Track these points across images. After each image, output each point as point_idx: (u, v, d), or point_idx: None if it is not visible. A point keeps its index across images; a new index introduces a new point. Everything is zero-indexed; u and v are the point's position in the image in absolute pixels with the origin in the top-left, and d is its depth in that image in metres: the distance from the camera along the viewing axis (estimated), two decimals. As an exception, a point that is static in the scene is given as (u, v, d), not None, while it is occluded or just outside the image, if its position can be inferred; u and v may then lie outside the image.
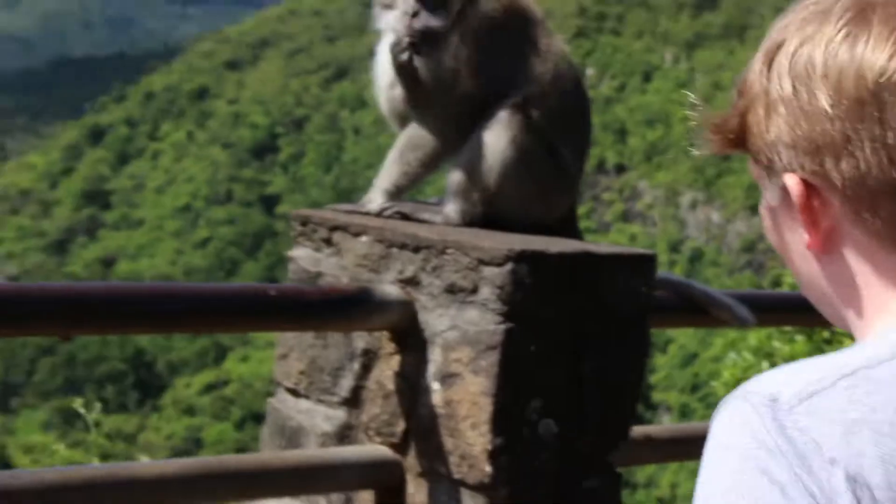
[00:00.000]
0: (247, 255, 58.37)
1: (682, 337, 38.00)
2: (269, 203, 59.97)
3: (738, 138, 0.85)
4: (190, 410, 45.04)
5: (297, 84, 66.40)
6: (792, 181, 0.79)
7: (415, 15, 1.94)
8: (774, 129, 0.82)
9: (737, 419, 0.71)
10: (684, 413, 34.85)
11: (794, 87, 0.81)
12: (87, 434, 5.07)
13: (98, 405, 5.00)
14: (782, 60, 0.82)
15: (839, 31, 0.81)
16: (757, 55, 0.88)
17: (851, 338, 0.87)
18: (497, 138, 1.93)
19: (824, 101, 0.78)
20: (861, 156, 0.77)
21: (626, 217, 51.10)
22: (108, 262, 56.47)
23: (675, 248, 48.14)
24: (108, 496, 1.78)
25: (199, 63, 72.79)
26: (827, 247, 0.82)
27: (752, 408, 0.70)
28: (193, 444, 38.23)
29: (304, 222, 2.10)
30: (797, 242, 0.84)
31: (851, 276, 0.84)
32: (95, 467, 2.03)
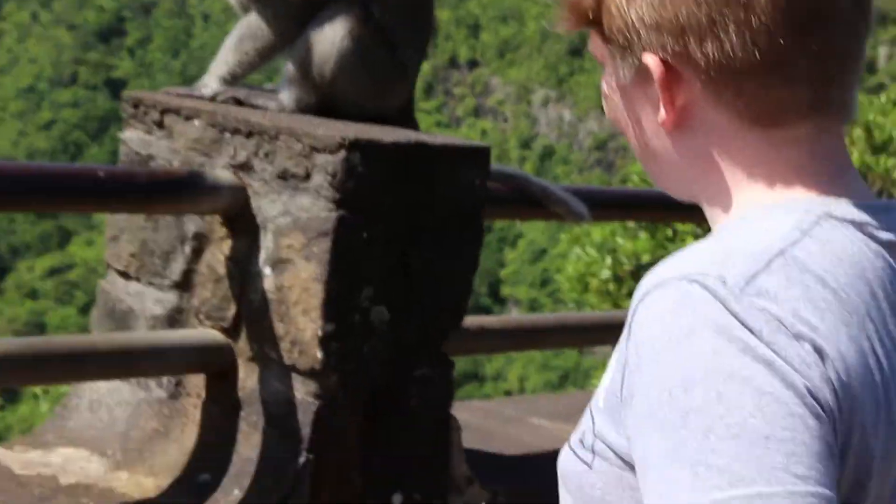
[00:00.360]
0: (91, 139, 58.15)
1: (532, 232, 39.65)
2: (114, 87, 60.03)
3: (595, 16, 0.89)
4: (33, 294, 45.11)
5: (146, -34, 66.71)
6: (653, 61, 0.81)
7: None
8: (636, 9, 0.84)
9: (692, 302, 0.67)
10: (533, 307, 36.49)
11: None
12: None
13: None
14: None
15: None
16: None
17: (694, 235, 0.94)
18: (333, 30, 1.96)
19: None
20: (725, 38, 0.80)
21: (477, 113, 52.87)
22: (-52, 143, 55.46)
23: (525, 144, 50.07)
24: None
25: (44, -57, 71.68)
26: (683, 124, 0.86)
27: (705, 289, 0.66)
28: (36, 328, 38.70)
29: (136, 104, 2.03)
30: (649, 121, 0.87)
31: (709, 151, 0.85)
32: None
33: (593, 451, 0.76)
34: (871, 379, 0.68)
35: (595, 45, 0.82)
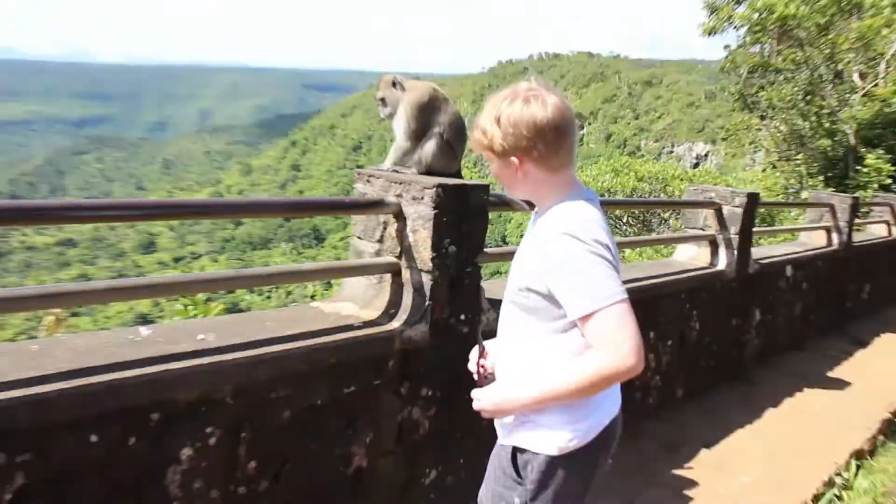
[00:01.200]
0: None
1: (515, 216, 41.20)
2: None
3: (489, 147, 2.01)
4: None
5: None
6: (515, 159, 1.98)
7: (381, 110, 3.48)
8: (502, 143, 1.97)
9: (568, 240, 1.88)
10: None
11: (509, 127, 1.96)
12: None
13: None
14: (503, 117, 1.97)
15: (522, 100, 1.96)
16: (486, 118, 2.01)
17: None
18: (430, 143, 3.42)
19: (523, 132, 1.94)
20: (538, 148, 1.95)
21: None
22: None
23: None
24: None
25: None
26: (524, 176, 2.01)
27: (569, 235, 1.88)
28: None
29: (360, 175, 4.63)
30: (512, 177, 2.04)
31: (536, 183, 2.02)
32: None
33: (528, 290, 2.03)
34: (617, 254, 1.97)
35: (489, 156, 2.03)
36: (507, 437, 2.12)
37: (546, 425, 2.03)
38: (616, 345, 1.83)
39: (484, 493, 2.25)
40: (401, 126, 3.45)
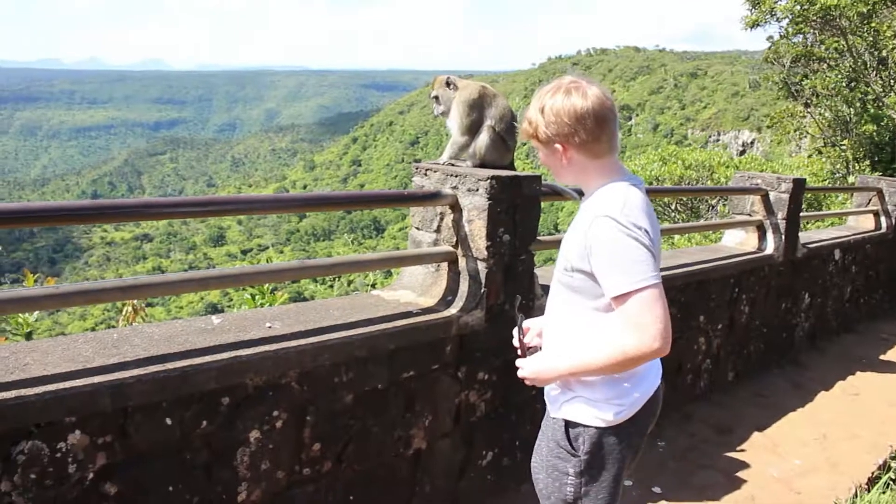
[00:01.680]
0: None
1: (567, 205, 40.94)
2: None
3: (534, 135, 2.07)
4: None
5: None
6: (559, 146, 2.04)
7: (435, 108, 3.51)
8: (545, 130, 2.04)
9: (609, 222, 1.92)
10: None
11: (552, 115, 2.03)
12: None
13: None
14: (546, 107, 2.04)
15: (563, 92, 2.03)
16: (532, 109, 2.08)
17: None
18: (483, 136, 3.43)
19: (565, 120, 2.00)
20: (579, 134, 2.00)
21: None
22: None
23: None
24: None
25: None
26: (569, 162, 2.06)
27: (611, 218, 1.92)
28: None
29: (417, 168, 5.36)
30: (558, 163, 2.09)
31: (582, 169, 2.08)
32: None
33: (572, 270, 2.08)
34: (657, 238, 2.00)
35: (536, 144, 2.09)
36: (557, 411, 2.18)
37: (595, 400, 2.10)
38: (644, 327, 1.87)
39: (537, 464, 2.30)
40: (455, 122, 3.46)
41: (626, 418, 2.11)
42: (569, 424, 2.14)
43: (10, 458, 2.19)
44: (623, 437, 2.12)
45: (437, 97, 3.53)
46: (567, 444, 2.14)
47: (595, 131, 2.02)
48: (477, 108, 3.46)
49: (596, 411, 2.10)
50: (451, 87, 3.49)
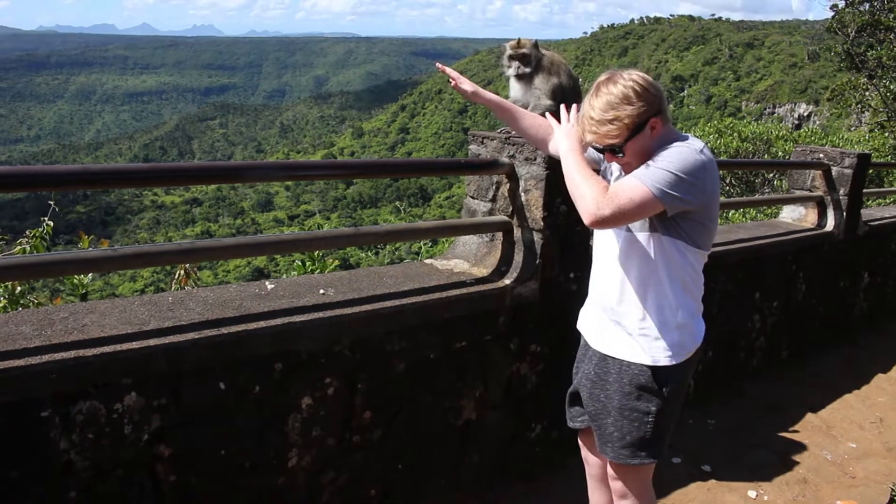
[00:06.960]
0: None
1: None
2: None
3: (628, 130, 2.15)
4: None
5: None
6: (651, 122, 2.16)
7: (515, 67, 3.33)
8: (639, 112, 2.16)
9: (689, 148, 2.12)
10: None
11: (641, 93, 2.14)
12: None
13: None
14: (626, 96, 2.17)
15: (620, 81, 2.19)
16: (604, 111, 2.16)
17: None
18: (541, 97, 3.29)
19: (651, 92, 2.15)
20: (663, 105, 2.18)
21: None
22: None
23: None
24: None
25: None
26: (655, 133, 2.19)
27: (692, 147, 2.14)
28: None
29: (474, 136, 4.62)
30: (646, 144, 2.18)
31: (664, 136, 2.20)
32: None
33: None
34: (710, 185, 2.16)
35: (617, 142, 2.17)
36: (638, 356, 2.35)
37: (671, 341, 2.32)
38: (611, 200, 2.07)
39: (600, 410, 2.48)
40: (546, 85, 3.32)
41: (690, 355, 2.37)
42: (651, 368, 2.32)
43: (69, 416, 2.19)
44: (690, 368, 2.39)
45: (524, 56, 3.32)
46: (654, 385, 2.31)
47: (662, 95, 2.20)
48: (571, 75, 3.37)
49: (673, 351, 2.32)
50: (539, 50, 3.38)
